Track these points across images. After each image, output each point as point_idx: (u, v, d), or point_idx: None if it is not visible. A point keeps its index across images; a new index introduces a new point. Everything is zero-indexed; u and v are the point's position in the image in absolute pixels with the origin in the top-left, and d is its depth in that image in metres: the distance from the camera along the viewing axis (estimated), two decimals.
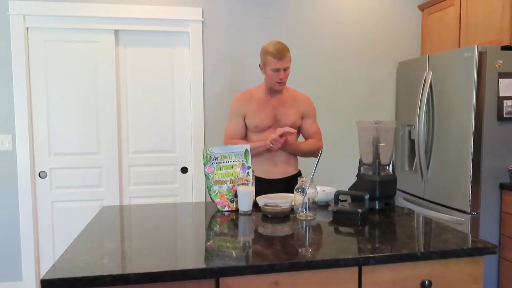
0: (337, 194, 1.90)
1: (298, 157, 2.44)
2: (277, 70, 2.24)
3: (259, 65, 2.34)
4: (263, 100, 2.35)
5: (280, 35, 3.39)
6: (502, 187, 2.75)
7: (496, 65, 2.70)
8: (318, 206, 1.90)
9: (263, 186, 2.18)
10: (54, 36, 3.19)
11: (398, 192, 3.53)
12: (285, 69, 2.26)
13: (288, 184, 2.26)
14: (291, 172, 2.40)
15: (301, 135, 2.47)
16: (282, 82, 2.28)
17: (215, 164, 1.97)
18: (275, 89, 2.32)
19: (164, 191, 3.41)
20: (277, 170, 2.37)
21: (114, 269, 1.22)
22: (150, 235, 1.58)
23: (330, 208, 1.86)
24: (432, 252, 1.37)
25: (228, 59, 3.39)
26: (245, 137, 2.41)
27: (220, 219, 1.82)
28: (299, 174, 2.43)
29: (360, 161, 2.05)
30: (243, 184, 1.90)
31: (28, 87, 3.15)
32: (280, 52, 2.22)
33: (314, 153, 2.34)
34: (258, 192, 2.03)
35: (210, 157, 1.97)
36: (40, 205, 3.24)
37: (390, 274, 1.37)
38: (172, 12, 3.25)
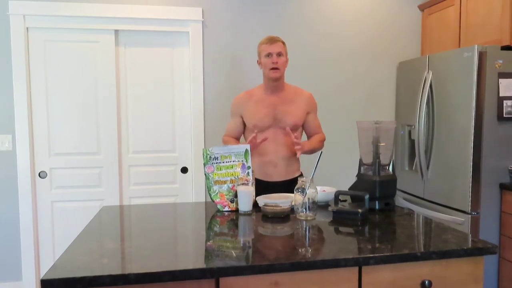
0: (337, 194, 1.90)
1: (299, 158, 2.42)
2: (270, 55, 2.22)
3: (257, 61, 2.34)
4: (262, 99, 2.31)
5: (280, 35, 3.29)
6: (502, 187, 2.75)
7: (496, 65, 2.70)
8: (318, 206, 1.89)
9: (264, 188, 2.15)
10: (54, 36, 3.19)
11: (398, 192, 3.53)
12: (279, 55, 2.23)
13: (289, 187, 2.18)
14: (292, 174, 2.35)
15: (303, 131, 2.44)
16: (276, 68, 2.22)
17: (215, 164, 1.97)
18: (270, 77, 2.24)
19: (164, 191, 3.40)
20: (278, 172, 2.32)
21: (114, 269, 1.22)
22: (150, 235, 1.58)
23: (330, 208, 1.86)
24: (432, 252, 1.37)
25: (228, 59, 3.39)
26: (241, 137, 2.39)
27: (220, 219, 1.82)
28: (300, 176, 2.38)
29: (360, 161, 2.05)
30: (243, 184, 1.90)
31: (28, 87, 3.15)
32: (271, 38, 2.26)
33: (322, 145, 2.39)
34: (258, 195, 2.01)
35: (210, 157, 1.97)
36: (40, 205, 3.24)
37: (390, 274, 1.37)
38: (172, 12, 3.25)
